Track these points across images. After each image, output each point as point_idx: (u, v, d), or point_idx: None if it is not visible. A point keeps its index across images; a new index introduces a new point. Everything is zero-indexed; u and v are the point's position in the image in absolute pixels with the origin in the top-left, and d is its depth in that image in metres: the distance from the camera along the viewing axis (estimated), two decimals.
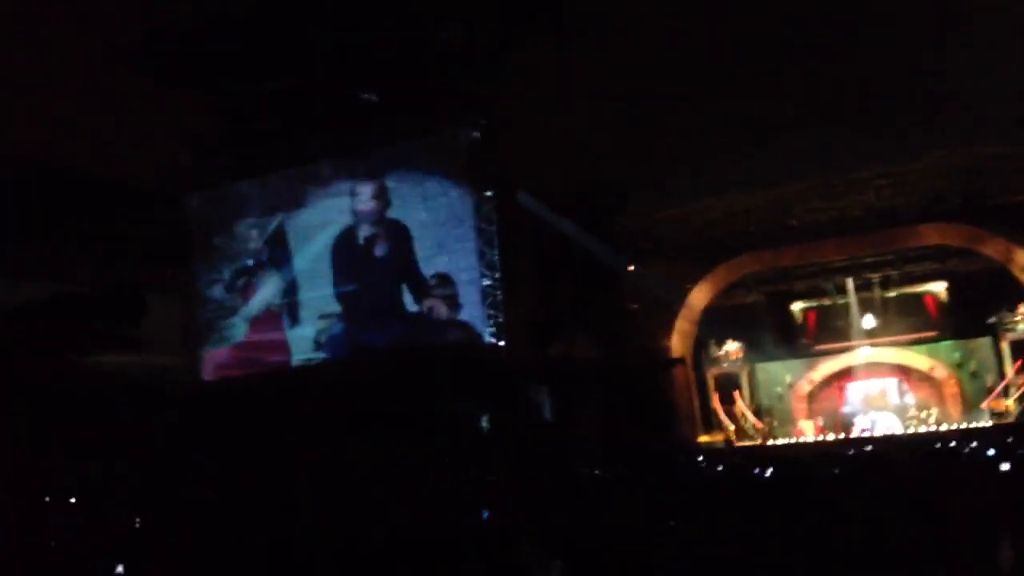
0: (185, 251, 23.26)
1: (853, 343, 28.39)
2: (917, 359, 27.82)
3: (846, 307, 28.61)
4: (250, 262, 22.84)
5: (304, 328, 22.26)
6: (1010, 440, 16.03)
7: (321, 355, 22.03)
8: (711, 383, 29.04)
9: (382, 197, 21.48)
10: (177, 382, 22.97)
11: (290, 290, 22.45)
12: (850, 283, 28.25)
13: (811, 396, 28.68)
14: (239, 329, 22.88)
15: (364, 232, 21.75)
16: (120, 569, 6.58)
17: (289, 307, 22.44)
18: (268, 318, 22.69)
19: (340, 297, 21.94)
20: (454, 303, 20.55)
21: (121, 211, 21.93)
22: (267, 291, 22.69)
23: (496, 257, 20.47)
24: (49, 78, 18.76)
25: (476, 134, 20.72)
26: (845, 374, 28.59)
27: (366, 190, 21.64)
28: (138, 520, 10.35)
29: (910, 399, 27.60)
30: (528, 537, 5.45)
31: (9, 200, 19.95)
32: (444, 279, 20.68)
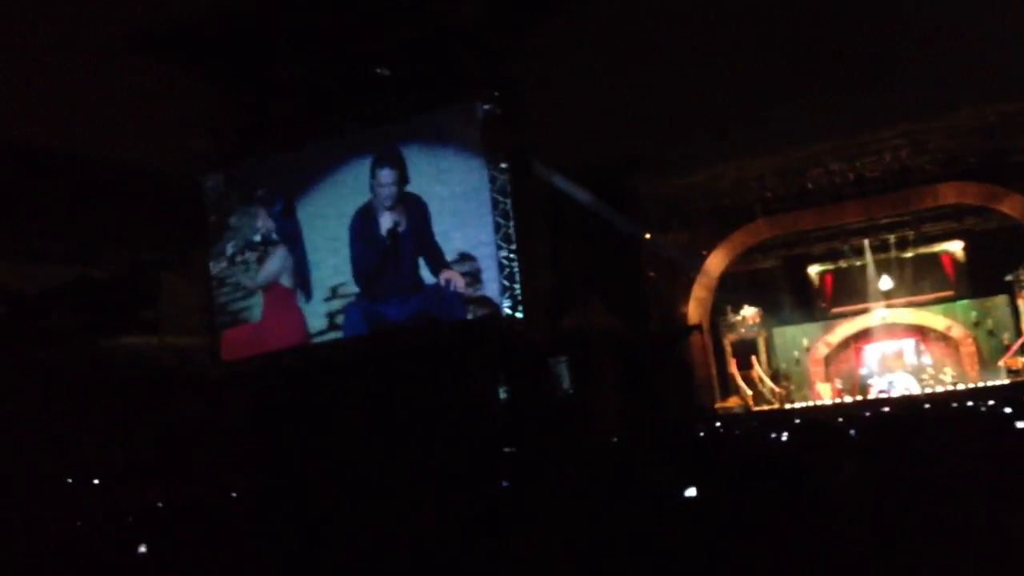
0: (203, 232, 23.33)
1: (870, 305, 28.36)
2: (934, 319, 27.79)
3: (863, 269, 28.57)
4: (258, 237, 22.85)
5: (320, 305, 22.27)
6: None
7: (338, 332, 22.08)
8: (728, 349, 29.09)
9: (401, 171, 21.45)
10: (196, 363, 23.13)
11: (302, 266, 22.46)
12: (867, 245, 28.20)
13: (828, 359, 28.71)
14: (255, 308, 22.94)
15: (381, 206, 21.73)
16: (143, 549, 6.66)
17: (303, 284, 22.44)
18: (282, 296, 22.71)
19: (356, 273, 21.95)
20: (472, 276, 20.56)
21: (140, 194, 22.03)
22: (276, 264, 22.70)
23: (512, 229, 20.43)
24: (66, 65, 18.79)
25: (490, 106, 20.67)
26: (862, 336, 28.60)
27: (386, 173, 21.60)
28: (161, 503, 10.48)
29: (927, 359, 27.60)
30: (547, 509, 5.50)
31: (27, 186, 20.08)
32: (462, 252, 20.69)
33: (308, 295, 22.35)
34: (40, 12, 17.36)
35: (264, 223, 22.70)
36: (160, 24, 19.74)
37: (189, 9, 19.59)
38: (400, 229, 21.44)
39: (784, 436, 9.00)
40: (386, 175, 21.59)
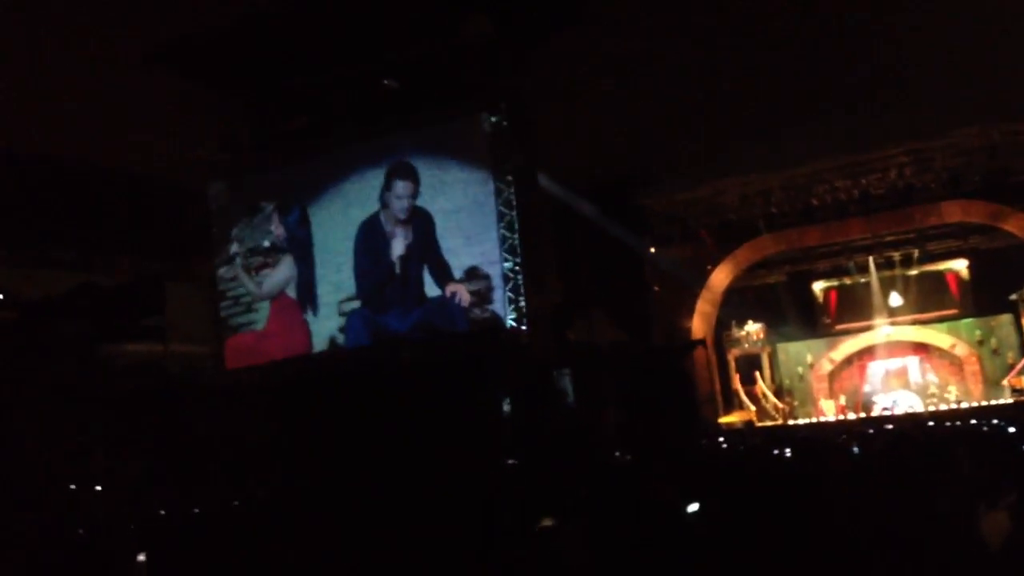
0: (210, 239, 23.39)
1: (874, 322, 28.33)
2: (938, 337, 27.75)
3: (867, 286, 28.54)
4: (267, 244, 22.91)
5: (324, 315, 22.35)
6: None
7: (341, 341, 22.13)
8: (732, 364, 29.05)
9: (416, 185, 21.51)
10: (201, 371, 23.17)
11: (309, 276, 22.52)
12: (871, 262, 28.18)
13: (832, 376, 28.67)
14: (260, 316, 22.99)
15: (392, 218, 21.77)
16: (142, 558, 6.68)
17: (309, 294, 22.51)
18: (288, 305, 22.79)
19: (360, 282, 22.00)
20: (477, 288, 20.60)
21: (148, 203, 22.10)
22: (284, 273, 22.76)
23: (517, 242, 20.48)
24: (80, 76, 18.90)
25: (497, 118, 20.74)
26: (866, 353, 28.56)
27: (402, 185, 21.66)
28: (165, 511, 10.47)
29: (931, 377, 27.55)
30: (549, 520, 5.51)
31: (36, 194, 20.16)
32: (467, 265, 20.74)
33: (314, 306, 22.41)
34: (54, 24, 17.47)
35: (277, 230, 22.75)
36: (174, 37, 19.86)
37: (203, 22, 19.72)
38: (404, 239, 21.50)
39: (787, 453, 9.01)
40: (402, 188, 21.66)
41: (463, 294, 20.76)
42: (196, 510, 10.50)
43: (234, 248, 23.19)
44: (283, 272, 22.75)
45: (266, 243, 22.91)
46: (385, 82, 21.29)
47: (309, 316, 22.50)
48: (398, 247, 21.62)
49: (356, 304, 22.01)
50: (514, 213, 20.61)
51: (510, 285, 20.41)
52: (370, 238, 21.94)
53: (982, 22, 20.40)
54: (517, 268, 20.44)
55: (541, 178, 22.01)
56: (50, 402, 16.57)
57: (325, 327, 22.32)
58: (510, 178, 20.75)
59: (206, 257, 23.49)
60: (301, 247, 22.68)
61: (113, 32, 18.21)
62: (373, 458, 16.97)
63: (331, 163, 22.57)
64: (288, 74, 22.17)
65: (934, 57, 21.70)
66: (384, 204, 21.88)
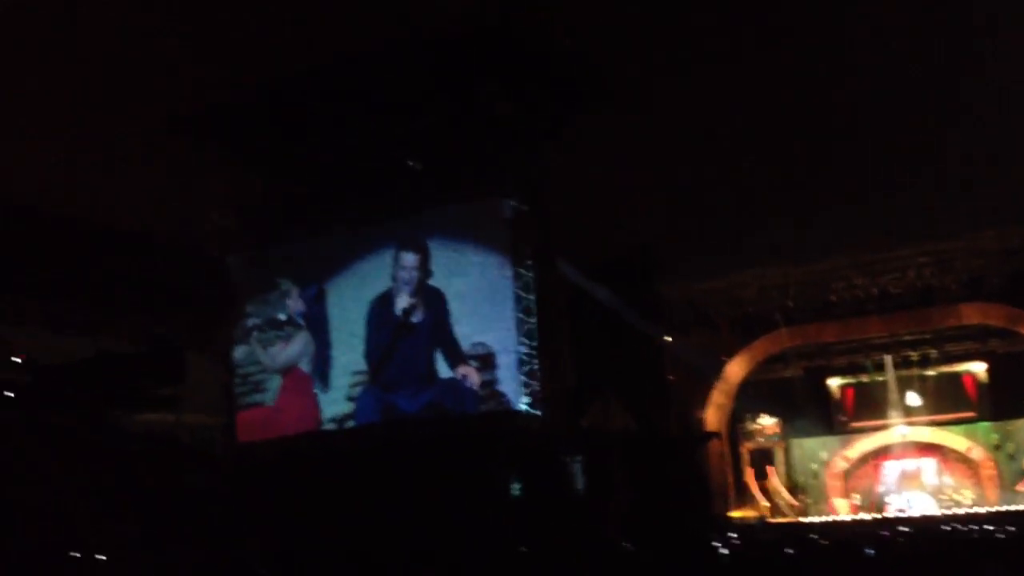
0: (226, 311, 23.45)
1: (890, 421, 28.11)
2: (954, 439, 27.52)
3: (884, 384, 28.37)
4: (283, 317, 22.93)
5: (335, 392, 22.25)
6: None
7: (351, 419, 22.02)
8: (746, 457, 28.84)
9: (424, 265, 21.55)
10: (210, 443, 23.11)
11: (324, 351, 22.49)
12: (889, 361, 28.05)
13: (847, 474, 28.39)
14: (271, 391, 22.93)
15: (401, 301, 21.78)
16: None
17: (321, 370, 22.45)
18: (299, 381, 22.72)
19: (372, 361, 21.95)
20: (489, 370, 20.52)
21: (165, 271, 22.24)
22: (297, 348, 22.74)
23: (534, 326, 20.46)
24: (97, 143, 19.17)
25: (516, 203, 20.84)
26: (881, 452, 28.31)
27: (410, 260, 21.71)
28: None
29: (946, 479, 27.26)
30: None
31: (56, 257, 20.32)
32: (480, 346, 20.68)
33: (326, 383, 22.33)
34: (80, 88, 17.77)
35: (295, 305, 22.79)
36: (199, 105, 20.16)
37: (225, 91, 20.03)
38: (417, 320, 21.48)
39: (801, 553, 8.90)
40: (409, 259, 21.69)
41: (473, 377, 20.68)
42: None
43: (249, 323, 23.19)
44: (297, 347, 22.73)
45: (282, 316, 22.93)
46: (410, 163, 21.49)
47: (319, 392, 22.42)
48: (407, 324, 21.59)
49: (368, 383, 21.91)
50: (532, 297, 20.62)
51: (525, 369, 20.33)
52: (381, 315, 21.91)
53: (1002, 126, 20.58)
54: (533, 352, 20.38)
55: (559, 263, 22.05)
56: (58, 467, 16.53)
57: (336, 403, 22.22)
58: (529, 263, 20.77)
59: (221, 328, 23.51)
60: (317, 322, 22.68)
61: (138, 98, 18.53)
62: (380, 537, 16.83)
63: (348, 241, 22.66)
64: (310, 149, 22.45)
65: (953, 159, 21.87)
66: (394, 280, 21.92)
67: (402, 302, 21.69)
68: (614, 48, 20.86)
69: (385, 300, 21.96)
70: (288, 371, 22.86)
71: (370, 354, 21.96)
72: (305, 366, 22.73)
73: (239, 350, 23.23)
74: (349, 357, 22.16)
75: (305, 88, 21.31)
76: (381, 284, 22.09)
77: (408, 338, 21.61)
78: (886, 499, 27.24)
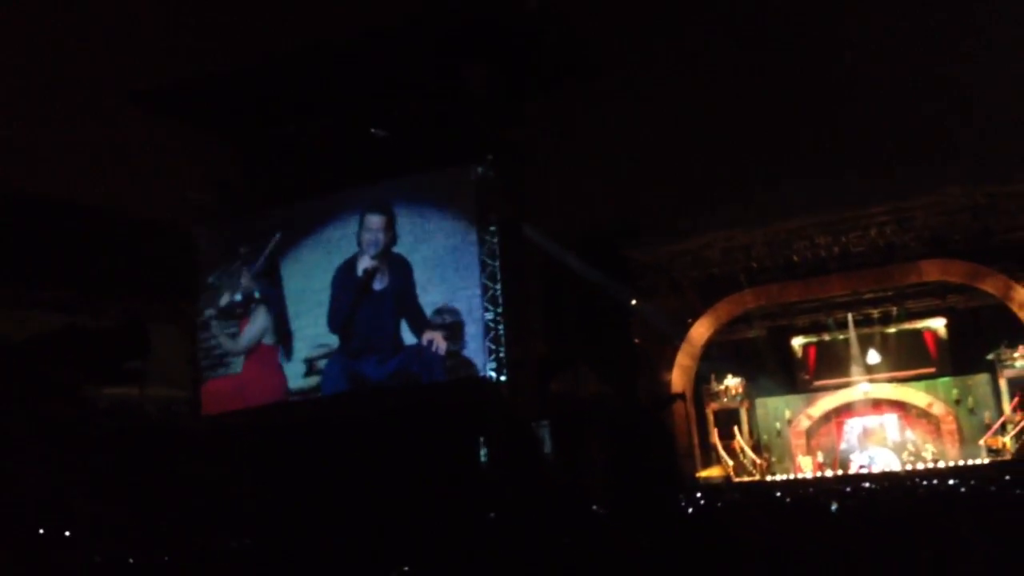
0: (191, 283, 23.32)
1: (852, 379, 28.42)
2: (915, 395, 27.86)
3: (846, 343, 28.67)
4: (239, 297, 22.85)
5: (300, 361, 22.22)
6: (1007, 478, 16.09)
7: (317, 388, 22.00)
8: (711, 418, 29.06)
9: (390, 230, 21.51)
10: (178, 416, 23.01)
11: (284, 322, 22.42)
12: (850, 319, 28.33)
13: (810, 432, 28.70)
14: (237, 361, 22.87)
15: (364, 263, 21.75)
16: None
17: (284, 339, 22.39)
18: (264, 350, 22.67)
19: (337, 329, 21.92)
20: (455, 337, 20.56)
21: (130, 244, 22.07)
22: (258, 326, 22.68)
23: (499, 292, 20.49)
24: (64, 118, 18.95)
25: (483, 168, 20.82)
26: (844, 410, 28.62)
27: (376, 221, 21.66)
28: (134, 559, 10.38)
29: (908, 435, 27.61)
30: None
31: (19, 233, 20.11)
32: (446, 312, 20.69)
33: (289, 353, 22.29)
34: (44, 64, 17.55)
35: (246, 282, 22.69)
36: (163, 79, 19.96)
37: (193, 65, 19.84)
38: (382, 287, 21.46)
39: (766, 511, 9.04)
40: (375, 221, 21.65)
41: (440, 342, 20.71)
42: (166, 558, 10.42)
43: (212, 296, 23.06)
44: (258, 324, 22.67)
45: (239, 297, 22.84)
46: (373, 131, 21.39)
47: (284, 362, 22.37)
48: (373, 290, 21.56)
49: (333, 351, 21.88)
50: (497, 264, 20.65)
51: (491, 335, 20.40)
52: (346, 282, 21.86)
53: (967, 85, 20.73)
54: (498, 319, 20.43)
55: (527, 230, 22.07)
56: (32, 444, 16.41)
57: (302, 373, 22.19)
58: (493, 229, 20.79)
59: (188, 300, 23.39)
60: (274, 296, 22.59)
61: (103, 74, 18.31)
62: (349, 507, 16.86)
63: (313, 209, 22.58)
64: (277, 120, 22.30)
65: (914, 118, 22.02)
66: (359, 244, 21.89)
67: (364, 263, 21.65)
68: (582, 16, 20.81)
69: (350, 266, 21.93)
70: (253, 348, 22.83)
71: (336, 322, 21.93)
72: (269, 339, 22.68)
73: (205, 322, 23.14)
74: (313, 324, 22.12)
75: (274, 61, 21.18)
76: (347, 251, 22.05)
77: (373, 305, 21.60)
78: (849, 456, 27.57)
